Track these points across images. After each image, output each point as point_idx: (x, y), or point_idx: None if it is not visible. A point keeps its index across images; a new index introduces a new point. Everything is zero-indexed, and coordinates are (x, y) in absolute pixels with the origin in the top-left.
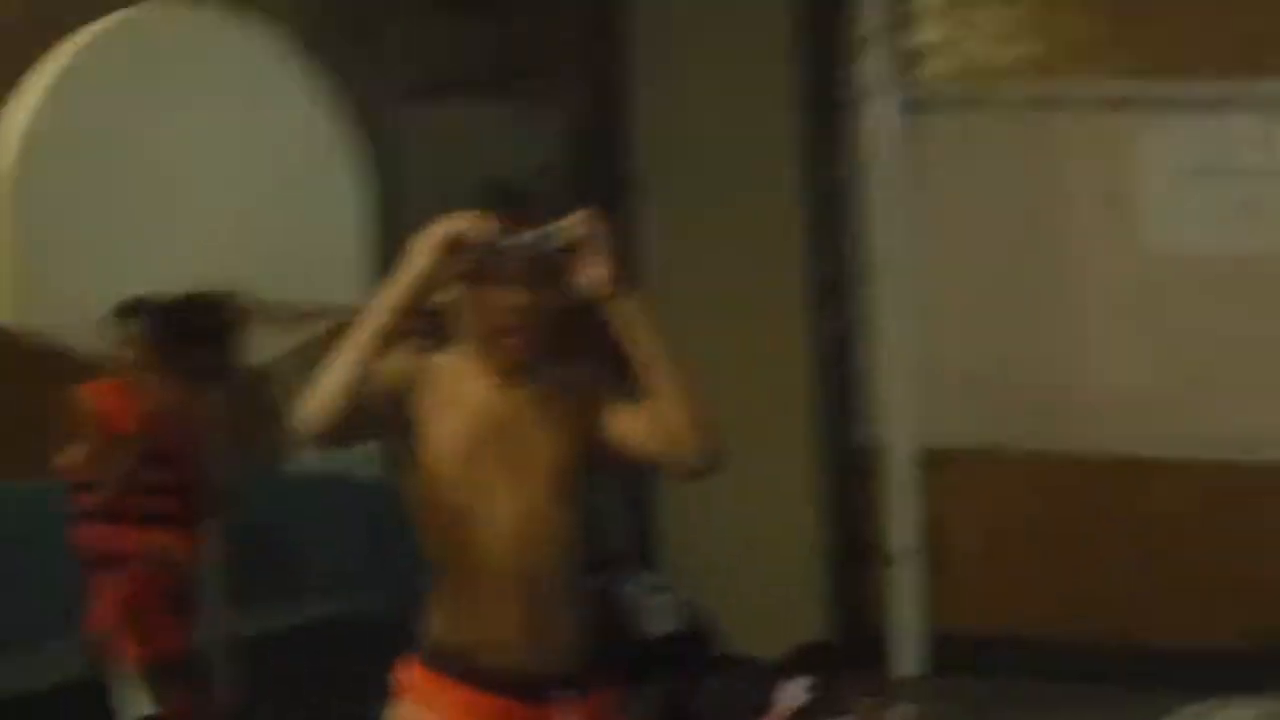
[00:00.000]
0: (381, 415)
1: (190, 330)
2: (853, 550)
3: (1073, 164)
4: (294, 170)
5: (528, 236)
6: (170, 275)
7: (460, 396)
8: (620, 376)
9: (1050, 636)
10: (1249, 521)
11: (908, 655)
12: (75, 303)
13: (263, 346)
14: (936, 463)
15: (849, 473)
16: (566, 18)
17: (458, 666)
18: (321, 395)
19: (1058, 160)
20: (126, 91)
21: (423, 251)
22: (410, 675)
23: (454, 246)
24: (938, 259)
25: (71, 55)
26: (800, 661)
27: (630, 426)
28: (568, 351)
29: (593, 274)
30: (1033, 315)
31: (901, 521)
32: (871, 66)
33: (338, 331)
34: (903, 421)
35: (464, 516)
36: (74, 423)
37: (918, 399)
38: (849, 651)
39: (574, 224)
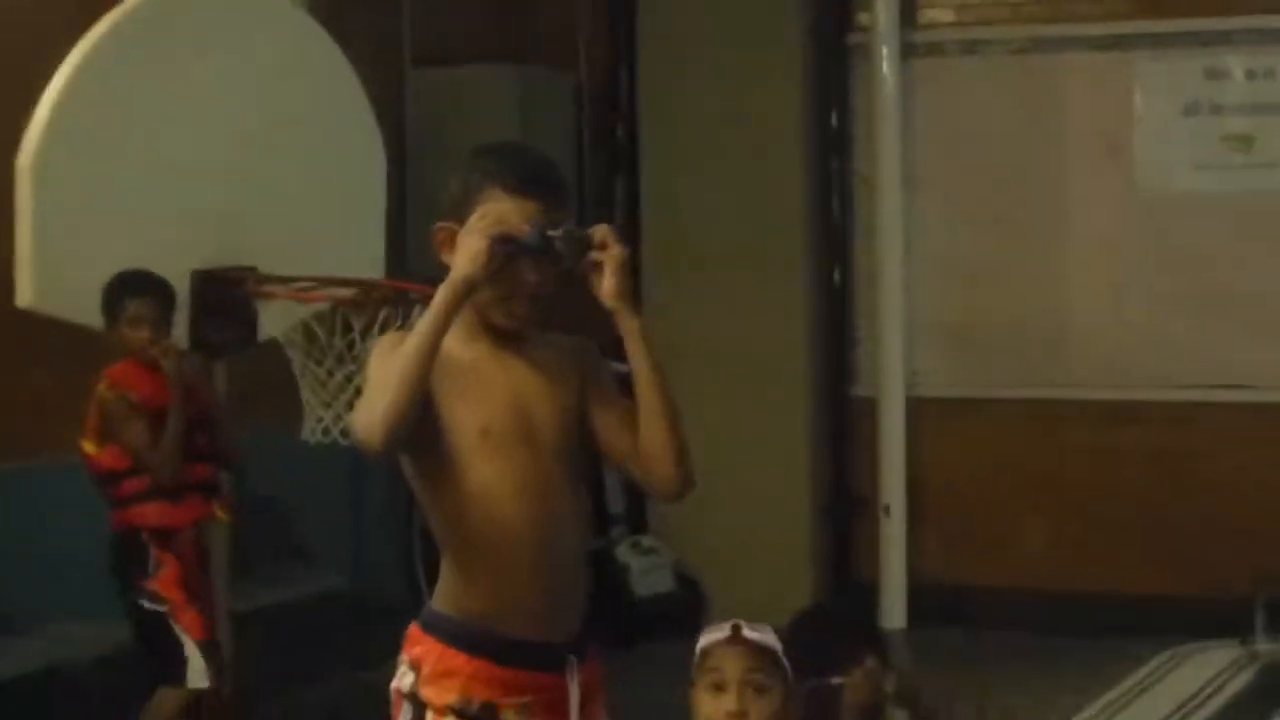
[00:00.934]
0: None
1: (206, 305)
2: (842, 504)
3: (1069, 105)
4: (317, 141)
5: (559, 240)
6: (191, 250)
7: (470, 376)
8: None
9: (1029, 587)
10: (1242, 465)
11: (896, 607)
12: (95, 284)
13: (276, 318)
14: (927, 413)
15: (840, 427)
16: None
17: (476, 640)
18: (390, 411)
19: (1054, 102)
20: (149, 68)
21: (476, 256)
22: (423, 649)
23: (501, 246)
24: (934, 208)
25: (92, 39)
26: (798, 631)
27: (615, 437)
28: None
29: (610, 286)
30: (1026, 260)
31: (894, 473)
32: (875, 13)
33: (348, 302)
34: (897, 372)
35: (484, 492)
36: (105, 412)
37: (910, 350)
38: (839, 610)
39: (599, 235)
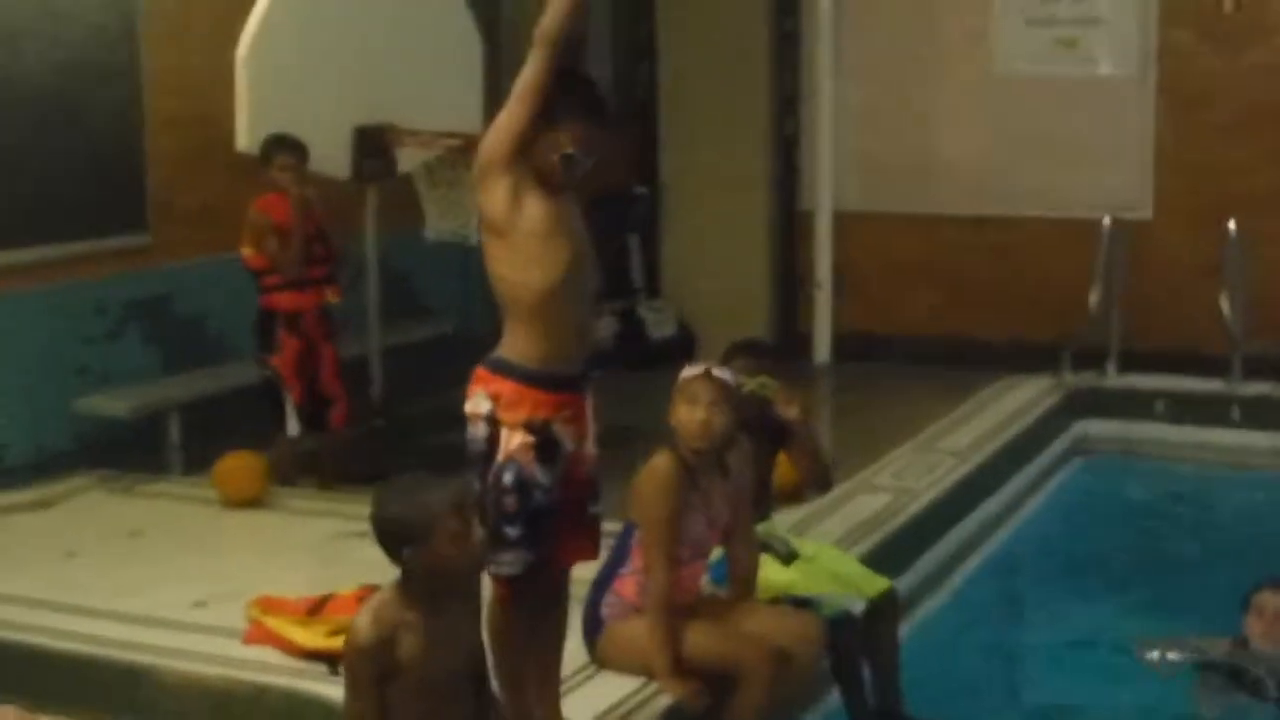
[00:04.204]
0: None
1: (362, 149)
2: (790, 281)
3: (951, 18)
4: (436, 40)
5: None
6: (351, 114)
7: (550, 225)
8: None
9: (915, 336)
10: (1055, 258)
11: (824, 350)
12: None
13: (408, 159)
14: (846, 221)
15: (789, 230)
16: None
17: (538, 378)
18: (560, 11)
19: (940, 15)
20: None
21: None
22: (498, 386)
23: None
24: (855, 82)
25: None
26: (742, 348)
27: None
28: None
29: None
30: (916, 120)
31: (824, 260)
32: None
33: (455, 149)
34: (827, 194)
35: (562, 278)
36: (253, 228)
37: (837, 179)
38: (783, 348)
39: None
